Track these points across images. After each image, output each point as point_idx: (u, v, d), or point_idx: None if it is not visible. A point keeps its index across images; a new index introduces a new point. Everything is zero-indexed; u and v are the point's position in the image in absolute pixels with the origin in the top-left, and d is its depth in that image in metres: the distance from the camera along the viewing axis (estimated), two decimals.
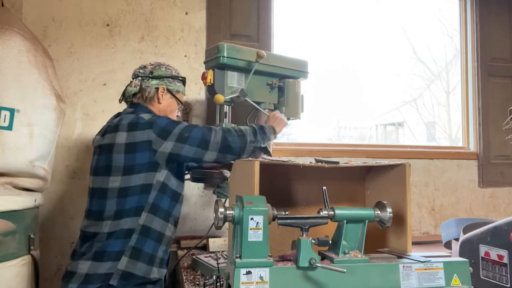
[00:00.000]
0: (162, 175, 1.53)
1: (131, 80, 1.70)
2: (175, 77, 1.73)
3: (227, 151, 1.54)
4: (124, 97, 1.71)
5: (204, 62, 1.93)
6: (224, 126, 1.84)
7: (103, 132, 1.61)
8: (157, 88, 1.68)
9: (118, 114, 1.66)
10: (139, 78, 1.69)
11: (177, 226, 1.64)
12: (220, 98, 1.77)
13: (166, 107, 1.72)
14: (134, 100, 1.70)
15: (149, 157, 1.50)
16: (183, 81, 1.78)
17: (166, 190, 1.55)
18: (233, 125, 1.86)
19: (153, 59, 2.37)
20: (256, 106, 1.88)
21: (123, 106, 1.74)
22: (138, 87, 1.67)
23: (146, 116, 1.55)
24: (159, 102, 1.69)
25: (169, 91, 1.71)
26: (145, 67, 1.72)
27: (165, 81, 1.70)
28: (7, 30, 1.71)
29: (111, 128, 1.57)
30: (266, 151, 1.71)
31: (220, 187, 1.78)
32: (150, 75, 1.69)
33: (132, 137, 1.50)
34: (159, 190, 1.52)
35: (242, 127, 1.63)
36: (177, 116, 1.80)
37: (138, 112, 1.60)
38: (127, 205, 1.48)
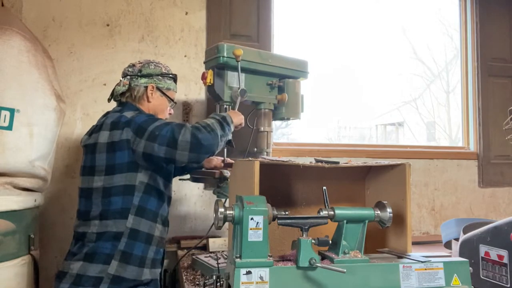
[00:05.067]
0: (145, 176, 1.50)
1: (120, 79, 1.68)
2: (165, 75, 1.69)
3: (200, 150, 1.44)
4: (113, 96, 1.68)
5: (204, 62, 1.93)
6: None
7: (91, 132, 1.60)
8: (146, 87, 1.65)
9: (107, 113, 1.64)
10: (128, 77, 1.66)
11: (166, 226, 1.62)
12: (238, 51, 1.71)
13: (156, 106, 1.68)
14: (123, 99, 1.66)
15: (128, 157, 1.47)
16: (174, 78, 1.74)
17: (152, 191, 1.53)
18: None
19: (153, 59, 2.36)
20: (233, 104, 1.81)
21: None
22: (126, 86, 1.64)
23: (129, 114, 1.52)
24: (148, 101, 1.66)
25: (158, 89, 1.67)
26: (134, 65, 1.69)
27: (154, 79, 1.66)
28: (7, 30, 1.71)
29: (97, 127, 1.56)
30: (230, 142, 1.67)
31: (220, 187, 1.77)
32: (138, 74, 1.65)
33: (113, 136, 1.49)
34: (144, 192, 1.50)
35: (208, 121, 1.53)
36: (170, 114, 1.76)
37: (124, 110, 1.58)
38: (111, 205, 1.47)
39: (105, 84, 2.36)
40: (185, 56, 2.50)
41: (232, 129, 1.63)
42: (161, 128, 1.45)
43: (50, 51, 2.09)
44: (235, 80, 1.84)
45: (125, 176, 1.48)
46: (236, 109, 1.77)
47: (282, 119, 2.06)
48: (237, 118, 1.68)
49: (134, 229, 1.47)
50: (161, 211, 1.57)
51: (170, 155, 1.43)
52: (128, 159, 1.48)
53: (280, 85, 1.96)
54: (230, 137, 1.63)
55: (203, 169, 1.88)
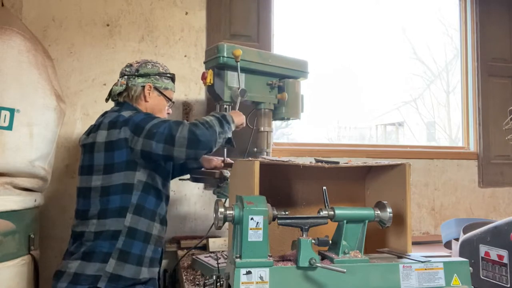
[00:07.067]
0: (143, 175, 1.51)
1: (118, 79, 1.69)
2: (162, 74, 1.70)
3: (198, 146, 1.44)
4: (110, 96, 1.69)
5: (204, 62, 1.93)
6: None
7: (89, 131, 1.62)
8: (143, 86, 1.66)
9: (105, 113, 1.65)
10: (125, 76, 1.67)
11: (165, 224, 1.62)
12: (238, 51, 1.69)
13: (154, 105, 1.69)
14: (120, 99, 1.67)
15: (127, 155, 1.48)
16: (172, 78, 1.75)
17: (150, 190, 1.53)
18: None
19: (153, 59, 2.37)
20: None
21: None
22: (124, 86, 1.65)
23: (126, 114, 1.53)
24: (146, 101, 1.67)
25: (156, 88, 1.68)
26: (131, 65, 1.69)
27: (152, 78, 1.67)
28: (7, 30, 1.71)
29: (95, 127, 1.57)
30: (230, 142, 1.66)
31: (220, 187, 1.77)
32: (136, 73, 1.66)
33: (111, 135, 1.50)
34: (142, 191, 1.51)
35: (207, 118, 1.54)
36: (168, 113, 1.76)
37: (122, 110, 1.58)
38: (110, 204, 1.48)
39: (105, 84, 2.36)
40: (185, 56, 2.50)
41: (233, 128, 1.63)
42: (158, 125, 1.46)
43: (50, 51, 2.10)
44: (235, 80, 1.84)
45: (123, 174, 1.48)
46: (237, 109, 1.77)
47: (282, 119, 2.06)
48: (238, 118, 1.68)
49: (132, 227, 1.48)
50: (159, 210, 1.58)
51: (168, 152, 1.44)
52: (126, 158, 1.48)
53: (280, 85, 1.96)
54: (230, 135, 1.62)
55: (203, 169, 1.88)
